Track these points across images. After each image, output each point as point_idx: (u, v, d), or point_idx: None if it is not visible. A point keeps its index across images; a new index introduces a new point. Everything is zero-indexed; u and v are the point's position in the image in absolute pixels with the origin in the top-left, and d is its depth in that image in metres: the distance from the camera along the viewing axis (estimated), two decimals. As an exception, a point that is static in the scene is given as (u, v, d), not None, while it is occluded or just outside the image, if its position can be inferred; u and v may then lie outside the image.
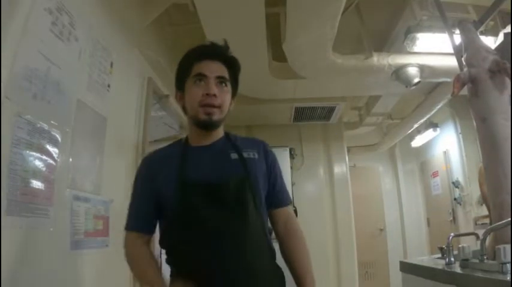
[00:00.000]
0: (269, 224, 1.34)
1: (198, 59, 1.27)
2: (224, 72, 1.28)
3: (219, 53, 1.30)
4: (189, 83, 1.27)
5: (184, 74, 1.29)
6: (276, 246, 1.30)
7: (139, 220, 1.28)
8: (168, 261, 1.26)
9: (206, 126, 1.27)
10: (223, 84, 1.27)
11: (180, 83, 1.31)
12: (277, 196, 1.35)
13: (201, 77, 1.24)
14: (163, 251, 1.27)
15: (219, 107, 1.25)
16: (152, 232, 1.29)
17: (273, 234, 1.35)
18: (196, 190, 1.19)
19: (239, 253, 1.16)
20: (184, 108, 1.31)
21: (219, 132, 1.34)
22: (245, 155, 1.29)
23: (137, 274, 1.27)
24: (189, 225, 1.17)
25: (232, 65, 1.32)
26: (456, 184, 5.06)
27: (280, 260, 1.30)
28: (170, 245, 1.24)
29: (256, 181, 1.26)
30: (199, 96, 1.23)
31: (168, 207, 1.22)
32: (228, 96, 1.29)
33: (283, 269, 1.28)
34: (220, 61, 1.28)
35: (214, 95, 1.23)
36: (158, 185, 1.24)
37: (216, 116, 1.25)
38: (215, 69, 1.26)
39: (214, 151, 1.29)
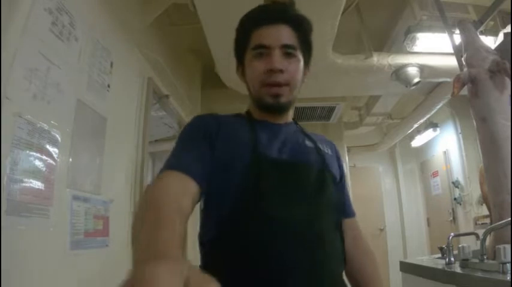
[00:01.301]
0: None
1: (256, 25, 1.01)
2: (291, 38, 1.00)
3: (283, 13, 1.02)
4: (249, 57, 1.02)
5: (242, 45, 1.05)
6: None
7: (198, 165, 0.87)
8: (206, 251, 0.92)
9: (273, 111, 1.03)
10: (292, 55, 1.00)
11: (240, 56, 1.07)
12: (345, 203, 1.13)
13: (262, 48, 0.98)
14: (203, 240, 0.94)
15: (288, 84, 0.99)
16: (202, 192, 0.87)
17: None
18: (274, 169, 0.92)
19: (325, 261, 0.89)
20: (247, 85, 1.07)
21: (289, 116, 1.10)
22: (320, 147, 1.07)
23: (146, 230, 0.64)
24: (263, 214, 0.85)
25: (302, 26, 1.04)
26: (456, 184, 5.06)
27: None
28: (223, 232, 0.87)
29: (335, 177, 1.04)
30: (261, 73, 0.98)
31: (230, 183, 0.89)
32: (298, 69, 1.01)
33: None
34: (285, 24, 1.01)
35: (281, 71, 0.97)
36: (222, 152, 0.92)
37: (285, 97, 0.99)
38: (279, 36, 0.99)
39: (287, 132, 1.04)
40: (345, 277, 1.02)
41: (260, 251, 0.83)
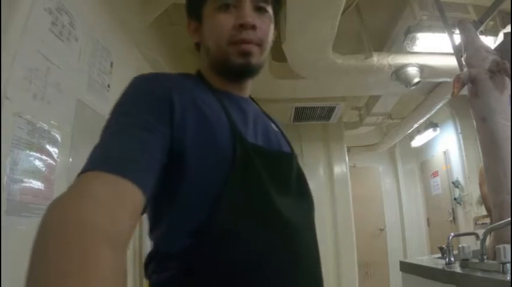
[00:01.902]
0: None
1: None
2: None
3: None
4: (209, 8, 0.82)
5: None
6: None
7: (144, 163, 0.61)
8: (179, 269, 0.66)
9: (241, 74, 0.84)
10: (264, 10, 0.83)
11: (194, 8, 0.87)
12: None
13: (229, 1, 0.80)
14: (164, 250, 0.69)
15: (260, 44, 0.81)
16: (147, 194, 0.60)
17: None
18: (259, 157, 0.73)
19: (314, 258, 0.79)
20: (198, 46, 0.89)
21: (249, 88, 0.91)
22: (282, 130, 0.93)
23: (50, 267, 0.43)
24: (252, 208, 0.69)
25: None
26: (456, 184, 5.06)
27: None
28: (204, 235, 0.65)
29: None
30: (228, 29, 0.79)
31: (208, 179, 0.68)
32: (270, 28, 0.84)
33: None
34: None
35: (253, 27, 0.79)
36: (194, 136, 0.68)
37: (256, 58, 0.81)
38: None
39: (253, 110, 0.86)
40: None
41: (267, 259, 0.67)
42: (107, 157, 0.59)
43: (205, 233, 0.65)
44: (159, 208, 0.71)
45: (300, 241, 0.74)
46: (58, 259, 0.41)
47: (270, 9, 0.84)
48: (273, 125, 0.89)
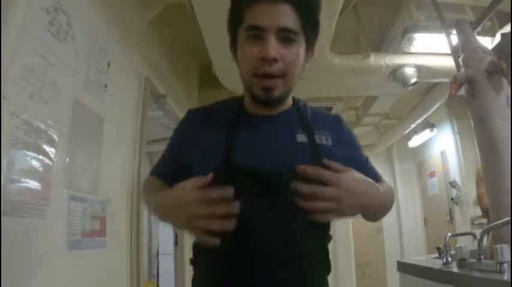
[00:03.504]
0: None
1: (251, 1, 0.86)
2: (291, 20, 0.85)
3: None
4: (241, 36, 0.88)
5: (235, 21, 0.91)
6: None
7: (166, 170, 1.04)
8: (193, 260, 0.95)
9: (264, 104, 0.92)
10: (291, 40, 0.86)
11: (233, 34, 0.93)
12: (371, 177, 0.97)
13: (256, 30, 0.84)
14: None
15: (283, 76, 0.86)
16: (163, 175, 1.04)
17: None
18: (244, 179, 0.83)
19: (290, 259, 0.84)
20: (239, 68, 0.94)
21: (286, 104, 0.98)
22: (319, 139, 0.94)
23: (152, 198, 1.00)
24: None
25: (307, 6, 0.88)
26: (453, 184, 5.07)
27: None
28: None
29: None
30: (253, 60, 0.85)
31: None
32: (298, 57, 0.88)
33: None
34: (287, 2, 0.84)
35: (275, 60, 0.83)
36: (189, 158, 0.94)
37: (278, 91, 0.87)
38: (277, 16, 0.84)
39: (277, 125, 0.93)
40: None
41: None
42: (153, 170, 1.12)
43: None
44: None
45: (259, 240, 0.82)
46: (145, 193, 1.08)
47: (299, 37, 0.87)
48: (299, 137, 0.92)
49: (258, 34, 0.84)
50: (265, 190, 0.83)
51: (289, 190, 0.81)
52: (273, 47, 0.83)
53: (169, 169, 1.03)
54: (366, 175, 0.93)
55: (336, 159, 0.89)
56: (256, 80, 0.86)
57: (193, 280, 0.95)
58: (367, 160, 1.11)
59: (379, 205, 0.98)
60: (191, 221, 0.80)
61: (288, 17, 0.85)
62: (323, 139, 0.95)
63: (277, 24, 0.84)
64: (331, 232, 0.97)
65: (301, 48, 0.88)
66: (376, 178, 1.05)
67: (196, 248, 0.94)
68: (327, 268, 0.95)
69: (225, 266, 0.85)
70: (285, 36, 0.85)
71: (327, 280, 0.96)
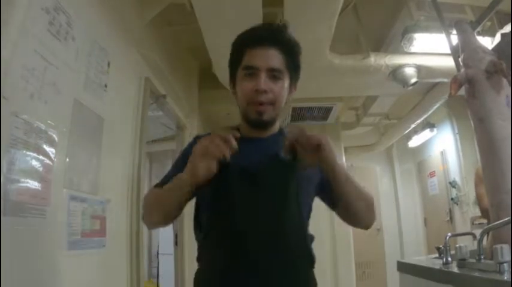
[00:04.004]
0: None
1: (249, 46, 1.12)
2: (278, 62, 1.11)
3: (273, 37, 1.13)
4: (240, 75, 1.14)
5: (235, 62, 1.16)
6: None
7: (167, 181, 1.15)
8: (199, 252, 1.13)
9: (257, 126, 1.16)
10: (278, 77, 1.11)
11: (232, 73, 1.18)
12: None
13: (252, 69, 1.10)
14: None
15: (272, 103, 1.11)
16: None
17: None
18: (236, 173, 1.06)
19: (275, 231, 1.04)
20: (237, 99, 1.19)
21: (274, 128, 1.21)
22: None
23: (158, 200, 1.13)
24: (225, 221, 1.05)
25: (290, 51, 1.15)
26: (453, 184, 5.07)
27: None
28: (206, 224, 1.11)
29: (301, 186, 1.12)
30: (248, 91, 1.10)
31: (203, 197, 1.12)
32: (282, 90, 1.13)
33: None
34: (274, 47, 1.11)
35: (265, 92, 1.09)
36: None
37: (268, 115, 1.12)
38: (267, 59, 1.10)
39: (263, 145, 1.16)
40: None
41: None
42: (160, 182, 1.19)
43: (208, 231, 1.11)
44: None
45: (249, 223, 1.03)
46: (149, 203, 1.18)
47: (284, 75, 1.13)
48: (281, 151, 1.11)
49: (252, 72, 1.10)
50: (252, 185, 1.06)
51: (271, 182, 1.07)
52: (265, 82, 1.09)
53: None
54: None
55: (315, 175, 1.15)
56: (251, 107, 1.11)
57: (195, 274, 1.12)
58: None
59: (354, 186, 1.12)
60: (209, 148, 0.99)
61: (276, 60, 1.11)
62: None
63: (267, 65, 1.09)
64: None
65: (285, 83, 1.14)
66: None
67: (200, 244, 1.13)
68: (311, 259, 1.13)
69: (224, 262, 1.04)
70: (273, 74, 1.10)
71: (312, 271, 1.14)
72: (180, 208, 1.10)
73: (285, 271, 1.03)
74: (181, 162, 1.14)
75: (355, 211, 1.17)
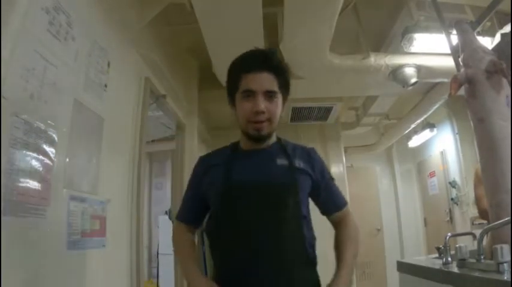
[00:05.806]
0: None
1: (245, 71, 1.27)
2: (273, 84, 1.27)
3: (266, 62, 1.28)
4: (238, 97, 1.29)
5: (233, 86, 1.30)
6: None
7: (189, 213, 1.43)
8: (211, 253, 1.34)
9: (255, 140, 1.31)
10: (272, 97, 1.27)
11: (231, 96, 1.33)
12: (333, 201, 1.43)
13: (249, 92, 1.25)
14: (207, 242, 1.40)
15: (268, 121, 1.27)
16: (199, 225, 1.44)
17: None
18: (240, 191, 1.26)
19: (274, 252, 1.21)
20: (237, 118, 1.34)
21: (271, 140, 1.37)
22: (296, 163, 1.33)
23: (180, 263, 1.46)
24: (230, 226, 1.26)
25: (281, 72, 1.30)
26: (453, 184, 5.07)
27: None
28: (213, 240, 1.33)
29: (299, 192, 1.30)
30: (248, 112, 1.25)
31: (213, 207, 1.33)
32: (277, 108, 1.29)
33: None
34: (268, 72, 1.26)
35: (263, 112, 1.24)
36: (204, 189, 1.35)
37: (265, 130, 1.28)
38: (263, 82, 1.25)
39: (263, 156, 1.33)
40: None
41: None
42: (179, 215, 1.46)
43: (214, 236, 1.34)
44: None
45: (254, 239, 1.21)
46: (179, 257, 1.47)
47: (277, 94, 1.28)
48: (278, 161, 1.32)
49: (250, 95, 1.25)
50: (255, 196, 1.25)
51: (271, 194, 1.25)
52: (262, 103, 1.24)
53: (193, 213, 1.42)
54: (329, 196, 1.41)
55: (308, 178, 1.34)
56: (251, 125, 1.27)
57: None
58: (333, 184, 1.44)
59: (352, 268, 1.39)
60: None
61: (271, 82, 1.26)
62: (300, 164, 1.34)
63: (263, 88, 1.25)
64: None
65: (279, 101, 1.30)
66: (339, 201, 1.44)
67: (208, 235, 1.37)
68: (309, 259, 1.32)
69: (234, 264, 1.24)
70: (269, 95, 1.26)
71: (311, 270, 1.35)
72: None
73: (280, 271, 1.20)
74: (193, 184, 1.41)
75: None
